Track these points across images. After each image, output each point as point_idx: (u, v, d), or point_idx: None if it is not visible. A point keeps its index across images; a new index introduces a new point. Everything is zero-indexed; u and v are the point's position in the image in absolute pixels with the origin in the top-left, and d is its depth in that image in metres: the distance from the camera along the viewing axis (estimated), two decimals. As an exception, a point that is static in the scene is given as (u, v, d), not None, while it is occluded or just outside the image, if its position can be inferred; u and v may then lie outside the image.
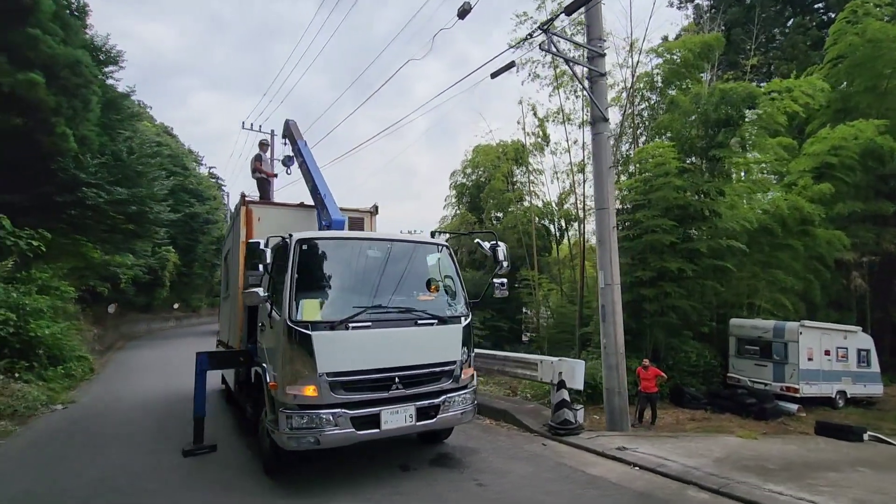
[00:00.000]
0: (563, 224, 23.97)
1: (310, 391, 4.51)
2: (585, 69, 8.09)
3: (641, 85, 18.14)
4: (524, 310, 23.93)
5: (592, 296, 18.58)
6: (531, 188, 23.81)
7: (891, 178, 18.02)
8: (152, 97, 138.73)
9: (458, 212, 24.22)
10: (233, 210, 9.64)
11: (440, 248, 5.90)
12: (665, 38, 23.67)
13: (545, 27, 7.02)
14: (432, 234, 6.20)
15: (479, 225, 22.65)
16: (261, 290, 4.99)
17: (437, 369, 5.15)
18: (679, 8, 30.99)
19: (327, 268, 5.28)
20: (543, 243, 22.51)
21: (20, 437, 7.61)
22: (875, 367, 15.21)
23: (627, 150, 17.77)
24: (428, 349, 5.11)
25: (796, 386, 13.64)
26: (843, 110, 18.51)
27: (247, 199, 7.83)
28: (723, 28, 22.57)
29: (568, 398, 6.38)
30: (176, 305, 40.96)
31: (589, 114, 7.75)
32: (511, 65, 7.70)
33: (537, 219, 22.61)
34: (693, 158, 16.09)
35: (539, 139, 20.25)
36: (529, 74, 17.53)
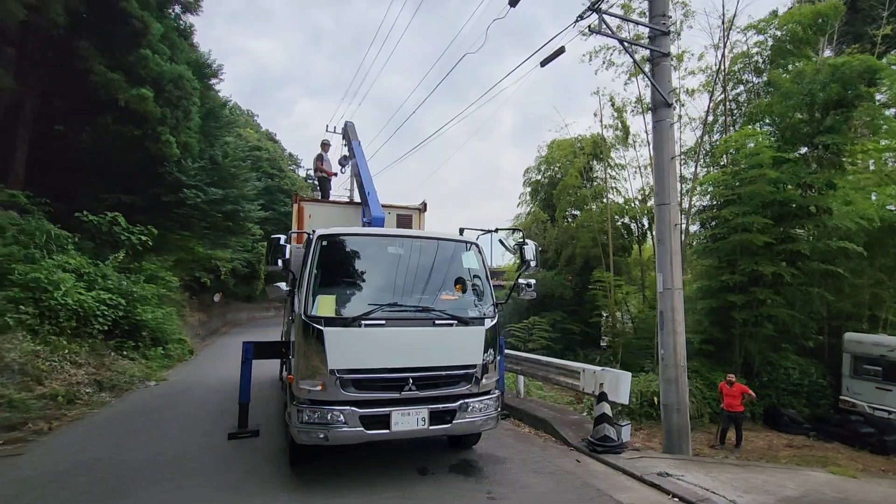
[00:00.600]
0: (647, 222, 22.27)
1: (319, 387, 4.54)
2: (650, 51, 7.32)
3: (738, 66, 16.23)
4: (603, 314, 22.64)
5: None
6: (611, 184, 22.40)
7: None
8: (261, 107, 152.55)
9: (531, 210, 23.50)
10: None
11: (468, 245, 5.66)
12: (774, 14, 21.01)
13: (595, 5, 6.44)
14: (460, 232, 5.97)
15: (551, 223, 21.77)
16: (283, 285, 5.13)
17: (455, 372, 4.93)
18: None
19: (347, 264, 5.29)
20: (623, 243, 21.08)
21: (111, 408, 8.66)
22: None
23: (717, 141, 15.98)
24: (445, 351, 4.90)
25: (929, 417, 11.45)
26: None
27: (299, 196, 8.19)
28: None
29: (609, 412, 5.81)
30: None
31: (662, 99, 6.97)
32: (560, 51, 7.17)
33: (616, 217, 21.20)
34: (803, 148, 13.99)
35: (618, 131, 18.95)
36: (604, 62, 16.46)
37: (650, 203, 21.76)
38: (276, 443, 6.07)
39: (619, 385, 6.01)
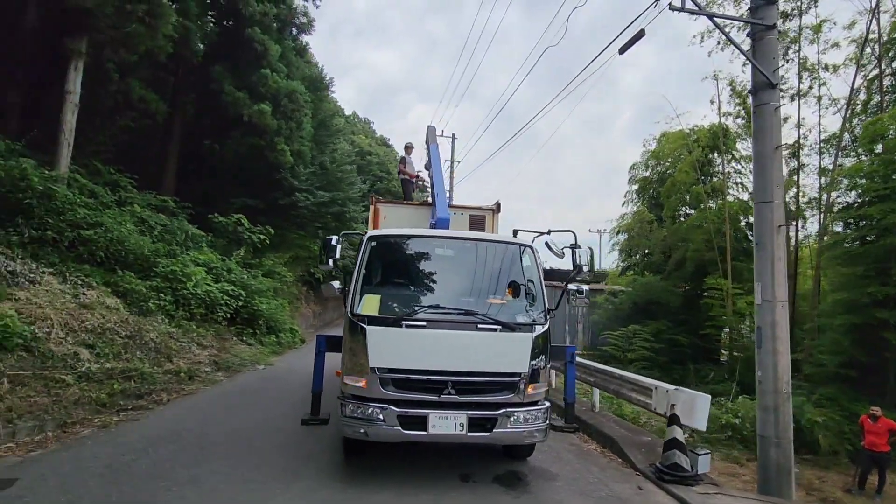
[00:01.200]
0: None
1: (362, 383, 4.66)
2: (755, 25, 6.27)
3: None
4: (725, 327, 20.14)
5: (806, 311, 14.59)
6: (735, 179, 19.84)
7: None
8: (377, 113, 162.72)
9: (637, 208, 21.75)
10: None
11: (522, 248, 5.40)
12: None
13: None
14: (514, 234, 5.70)
15: (658, 224, 19.93)
16: (337, 283, 5.37)
17: (496, 379, 4.72)
18: None
19: (395, 265, 5.36)
20: (745, 246, 18.51)
21: (220, 386, 9.85)
22: None
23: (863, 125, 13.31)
24: (487, 357, 4.71)
25: None
26: None
27: (375, 198, 8.54)
28: None
29: (681, 437, 5.09)
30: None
31: (765, 79, 5.98)
32: (640, 35, 6.50)
33: (740, 216, 18.72)
34: None
35: (740, 119, 16.70)
36: (718, 43, 14.58)
37: (787, 197, 18.88)
38: (339, 433, 6.38)
39: (695, 408, 5.27)
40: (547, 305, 5.10)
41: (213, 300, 13.27)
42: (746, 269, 18.74)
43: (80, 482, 4.27)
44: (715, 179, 20.16)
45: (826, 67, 14.34)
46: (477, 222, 8.25)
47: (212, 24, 17.55)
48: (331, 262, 5.21)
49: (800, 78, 14.26)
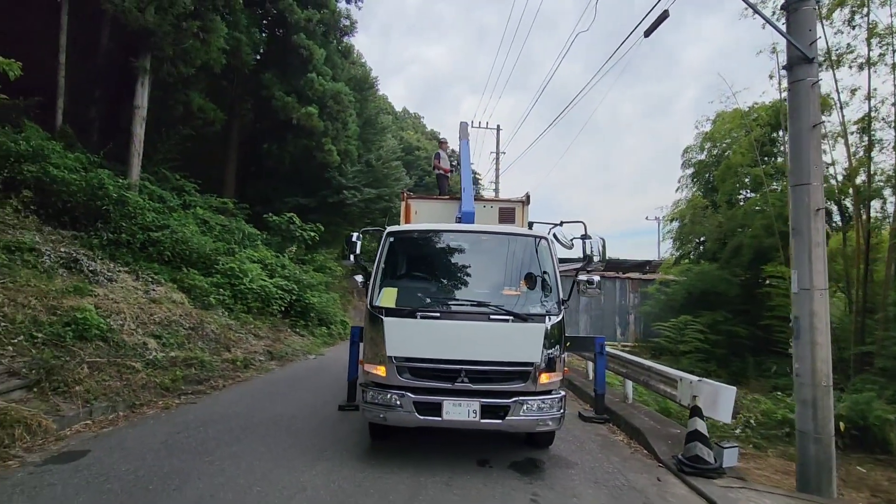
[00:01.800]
0: (855, 205, 17.71)
1: (380, 371, 4.95)
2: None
3: None
4: (789, 318, 18.78)
5: (878, 301, 13.34)
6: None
7: None
8: (429, 107, 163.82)
9: (692, 194, 20.64)
10: None
11: (537, 240, 5.46)
12: None
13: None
14: (530, 226, 5.72)
15: (713, 209, 18.85)
16: (360, 277, 5.69)
17: (508, 368, 4.85)
18: None
19: (412, 258, 5.60)
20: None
21: (272, 374, 10.60)
22: None
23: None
24: (499, 347, 4.85)
25: None
26: None
27: (406, 194, 8.83)
28: None
29: (703, 430, 4.94)
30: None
31: (800, 53, 5.59)
32: (664, 16, 6.26)
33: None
34: None
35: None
36: (774, 13, 13.45)
37: (860, 178, 17.33)
38: (370, 418, 6.75)
39: (719, 400, 5.10)
40: (562, 296, 5.15)
41: (267, 294, 14.20)
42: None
43: (138, 455, 4.88)
44: (780, 160, 18.75)
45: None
46: (506, 215, 8.33)
47: (263, 34, 18.54)
48: (352, 257, 5.53)
49: (868, 45, 12.94)
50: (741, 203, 18.95)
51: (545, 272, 5.31)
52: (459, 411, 4.79)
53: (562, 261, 6.02)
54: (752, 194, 19.15)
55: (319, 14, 18.09)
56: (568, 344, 8.66)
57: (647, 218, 54.16)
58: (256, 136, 20.14)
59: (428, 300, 5.11)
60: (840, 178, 17.54)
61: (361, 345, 5.85)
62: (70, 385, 6.31)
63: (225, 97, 19.14)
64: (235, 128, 19.15)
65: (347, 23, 20.36)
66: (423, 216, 8.40)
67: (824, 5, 13.34)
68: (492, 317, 4.92)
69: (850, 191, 16.34)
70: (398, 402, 4.84)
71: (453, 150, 14.93)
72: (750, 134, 17.71)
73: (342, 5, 20.31)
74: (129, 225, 11.51)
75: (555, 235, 5.32)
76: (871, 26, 12.85)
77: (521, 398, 4.81)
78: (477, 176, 58.27)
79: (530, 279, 5.26)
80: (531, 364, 4.84)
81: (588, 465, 5.24)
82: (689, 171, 21.12)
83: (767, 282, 16.28)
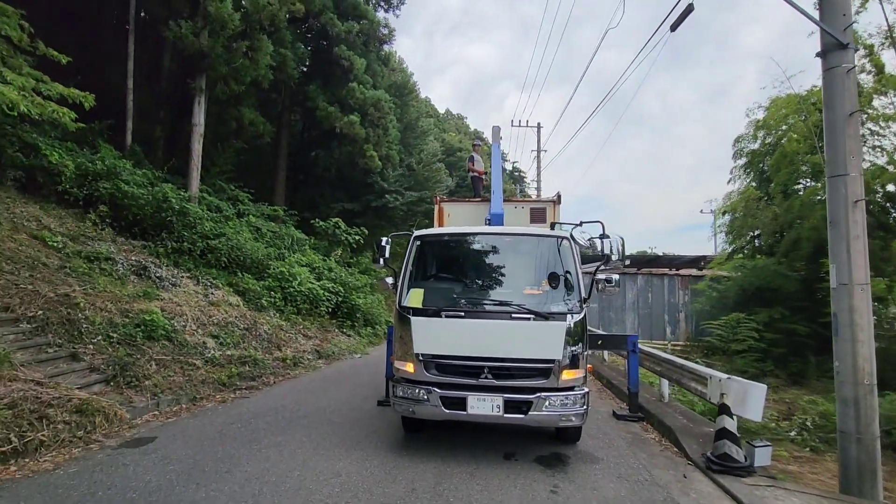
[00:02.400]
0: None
1: (409, 367, 5.26)
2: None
3: None
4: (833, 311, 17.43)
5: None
6: (871, 143, 17.01)
7: None
8: (474, 107, 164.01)
9: (745, 186, 19.60)
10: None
11: (559, 240, 5.57)
12: None
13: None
14: (552, 226, 5.81)
15: (765, 201, 17.82)
16: (390, 279, 6.03)
17: (530, 365, 5.01)
18: None
19: (438, 261, 5.86)
20: (882, 220, 15.82)
21: (319, 372, 11.21)
22: None
23: None
24: (521, 344, 5.02)
25: None
26: None
27: (439, 198, 9.13)
28: None
29: (733, 428, 4.86)
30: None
31: (833, 39, 5.36)
32: (689, 9, 6.16)
33: (875, 185, 16.06)
34: None
35: (864, 73, 14.27)
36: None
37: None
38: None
39: (748, 398, 4.99)
40: (584, 294, 5.25)
41: (315, 296, 14.95)
42: (878, 246, 16.12)
43: (197, 442, 5.45)
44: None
45: None
46: (537, 214, 8.44)
47: (308, 48, 19.48)
48: (381, 260, 5.89)
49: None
50: (799, 193, 17.82)
51: (567, 271, 5.42)
52: (484, 406, 5.02)
53: (586, 259, 6.09)
54: (811, 183, 17.95)
55: (359, 25, 18.78)
56: (600, 342, 8.68)
57: (701, 211, 51.69)
58: (304, 145, 21.16)
59: (453, 300, 5.36)
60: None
61: None
62: (141, 380, 7.08)
63: (274, 110, 20.27)
64: (284, 138, 20.22)
65: (386, 31, 20.98)
66: (456, 219, 8.66)
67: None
68: (514, 315, 5.11)
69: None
70: (426, 397, 5.13)
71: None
72: (808, 119, 16.64)
73: (380, 15, 20.97)
74: (190, 234, 12.52)
75: (571, 235, 5.42)
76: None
77: (543, 394, 4.97)
78: (522, 174, 57.82)
79: (552, 278, 5.39)
80: (553, 361, 4.98)
81: (613, 460, 5.31)
82: (742, 161, 20.10)
83: (828, 277, 15.28)
